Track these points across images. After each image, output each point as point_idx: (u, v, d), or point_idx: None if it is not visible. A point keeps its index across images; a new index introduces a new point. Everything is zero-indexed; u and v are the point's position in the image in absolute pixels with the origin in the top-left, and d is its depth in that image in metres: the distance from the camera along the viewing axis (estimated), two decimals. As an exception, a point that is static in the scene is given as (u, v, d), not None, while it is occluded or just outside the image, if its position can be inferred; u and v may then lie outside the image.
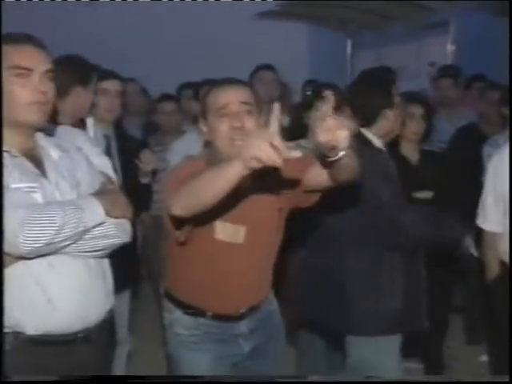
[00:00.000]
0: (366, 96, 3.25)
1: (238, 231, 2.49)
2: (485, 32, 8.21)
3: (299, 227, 3.31)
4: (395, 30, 9.23)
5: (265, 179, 2.26)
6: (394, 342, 3.19)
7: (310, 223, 3.28)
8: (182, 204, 2.16)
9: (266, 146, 1.86)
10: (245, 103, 2.42)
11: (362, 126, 3.24)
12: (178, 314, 2.64)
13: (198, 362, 2.61)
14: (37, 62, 2.21)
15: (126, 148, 3.73)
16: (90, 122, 3.39)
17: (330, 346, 4.07)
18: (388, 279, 3.12)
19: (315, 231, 3.30)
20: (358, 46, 10.19)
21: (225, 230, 2.47)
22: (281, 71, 5.16)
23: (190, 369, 2.61)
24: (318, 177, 2.38)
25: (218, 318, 2.59)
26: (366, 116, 3.24)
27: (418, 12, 8.43)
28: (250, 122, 2.38)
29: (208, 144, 2.55)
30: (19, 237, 2.05)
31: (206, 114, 2.48)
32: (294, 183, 2.46)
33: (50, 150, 2.31)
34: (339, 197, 2.55)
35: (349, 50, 10.26)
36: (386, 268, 3.12)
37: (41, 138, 2.31)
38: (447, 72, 6.04)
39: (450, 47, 8.42)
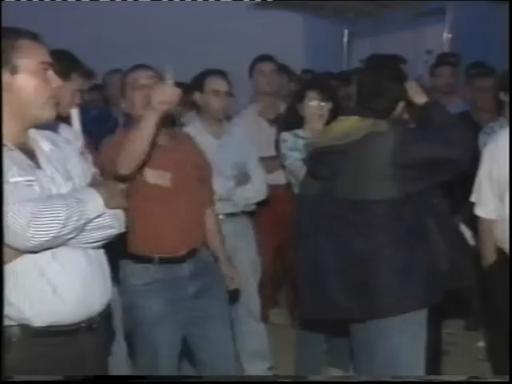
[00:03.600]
0: (383, 86, 3.18)
1: (165, 175, 3.13)
2: (481, 19, 8.21)
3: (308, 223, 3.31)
4: (392, 18, 9.23)
5: (179, 149, 3.22)
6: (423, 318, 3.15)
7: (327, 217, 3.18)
8: (126, 164, 2.90)
9: (167, 91, 2.76)
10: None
11: (374, 116, 3.15)
12: (130, 266, 3.19)
13: (150, 308, 3.14)
14: (48, 57, 2.26)
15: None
16: (74, 113, 3.39)
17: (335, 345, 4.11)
18: (426, 244, 3.04)
19: (336, 223, 3.16)
20: (355, 34, 10.18)
21: (154, 175, 3.10)
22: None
23: (144, 314, 3.15)
24: None
25: (164, 261, 3.16)
26: (381, 107, 3.17)
27: (414, 0, 8.45)
28: None
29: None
30: (28, 231, 2.07)
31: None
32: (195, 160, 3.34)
33: (41, 142, 2.32)
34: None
35: (346, 38, 10.25)
36: (422, 236, 3.05)
37: (31, 131, 2.31)
38: (447, 59, 6.03)
39: (447, 35, 8.42)
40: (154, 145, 2.97)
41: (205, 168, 3.44)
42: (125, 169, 2.91)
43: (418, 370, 3.12)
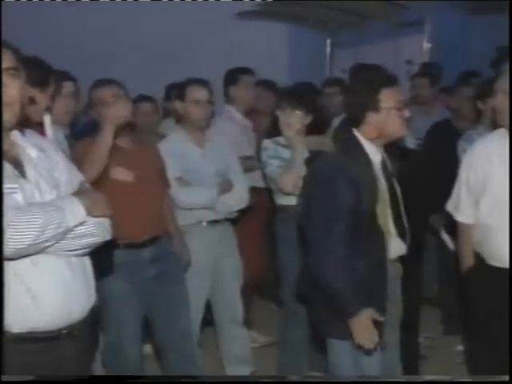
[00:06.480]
0: (350, 95, 3.17)
1: (128, 172, 3.58)
2: (459, 30, 8.32)
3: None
4: (373, 28, 9.32)
5: (141, 151, 3.70)
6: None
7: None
8: (92, 169, 3.22)
9: (121, 107, 3.24)
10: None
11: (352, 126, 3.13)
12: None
13: (115, 289, 3.51)
14: (9, 61, 2.19)
15: None
16: (47, 119, 3.38)
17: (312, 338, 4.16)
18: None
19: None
20: (338, 44, 10.29)
21: (118, 171, 3.54)
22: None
23: (108, 295, 3.44)
24: None
25: (128, 246, 3.58)
26: (350, 116, 3.14)
27: (394, 11, 8.56)
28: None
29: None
30: (3, 238, 2.07)
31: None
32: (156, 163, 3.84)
33: (28, 149, 2.31)
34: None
35: (328, 48, 10.36)
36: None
37: (18, 137, 2.31)
38: (422, 71, 6.14)
39: (426, 45, 8.54)
40: (116, 148, 3.43)
41: (163, 170, 3.90)
42: (92, 172, 3.25)
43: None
